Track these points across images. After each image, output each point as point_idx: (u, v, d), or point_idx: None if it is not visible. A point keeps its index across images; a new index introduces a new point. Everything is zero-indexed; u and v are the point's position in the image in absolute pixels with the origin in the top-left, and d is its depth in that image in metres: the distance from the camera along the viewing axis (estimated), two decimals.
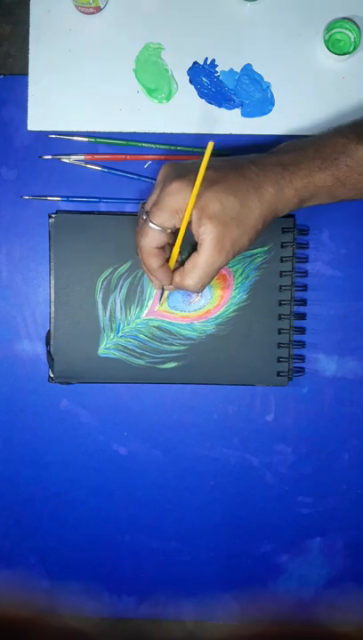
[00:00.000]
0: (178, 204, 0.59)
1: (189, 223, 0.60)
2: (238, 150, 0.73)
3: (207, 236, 0.59)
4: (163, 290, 0.68)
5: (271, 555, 0.76)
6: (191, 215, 0.59)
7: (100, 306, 0.73)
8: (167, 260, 0.64)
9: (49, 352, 0.73)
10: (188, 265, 0.61)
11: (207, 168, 0.58)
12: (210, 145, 0.58)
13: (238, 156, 0.63)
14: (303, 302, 0.74)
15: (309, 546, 0.76)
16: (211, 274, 0.61)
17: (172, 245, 0.64)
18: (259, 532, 0.76)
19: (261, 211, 0.60)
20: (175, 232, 0.62)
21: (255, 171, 0.60)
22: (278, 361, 0.73)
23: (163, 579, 0.76)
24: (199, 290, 0.62)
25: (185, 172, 0.60)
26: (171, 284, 0.64)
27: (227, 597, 0.76)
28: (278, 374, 0.73)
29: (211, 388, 0.75)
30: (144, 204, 0.63)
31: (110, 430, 0.75)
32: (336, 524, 0.76)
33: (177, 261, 0.64)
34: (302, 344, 0.74)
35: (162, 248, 0.62)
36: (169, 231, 0.61)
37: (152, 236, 0.61)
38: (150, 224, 0.60)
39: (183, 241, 0.62)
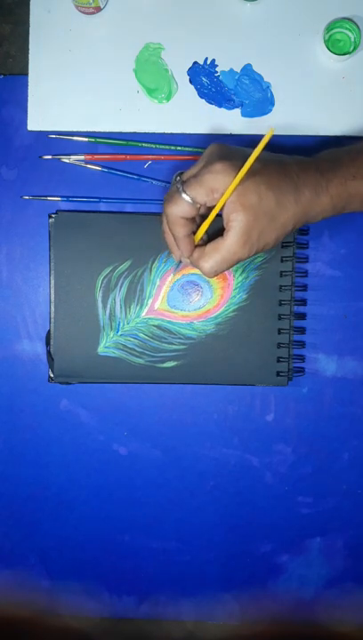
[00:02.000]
0: (217, 184, 0.59)
1: (222, 207, 0.60)
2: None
3: (237, 223, 0.59)
4: (177, 265, 0.68)
5: (271, 555, 0.76)
6: (227, 199, 0.59)
7: (99, 304, 0.73)
8: (194, 234, 0.64)
9: (49, 352, 0.73)
10: (209, 247, 0.61)
11: (257, 158, 0.58)
12: (271, 131, 0.57)
13: (284, 155, 0.63)
14: (303, 302, 0.74)
15: (309, 546, 0.76)
16: (229, 262, 0.61)
17: (197, 222, 0.64)
18: (259, 532, 0.76)
19: (294, 212, 0.60)
20: (203, 212, 0.62)
21: (297, 172, 0.60)
22: (278, 361, 0.73)
23: (163, 579, 0.76)
24: (212, 275, 0.62)
25: (232, 156, 0.60)
26: (190, 256, 0.64)
27: (227, 597, 0.76)
28: (278, 374, 0.73)
29: (211, 387, 0.75)
30: (181, 174, 0.63)
31: (110, 430, 0.75)
32: (336, 524, 0.76)
33: (202, 239, 0.64)
34: (302, 344, 0.74)
35: (188, 219, 0.62)
36: (198, 206, 0.61)
37: (181, 206, 0.60)
38: (183, 194, 0.60)
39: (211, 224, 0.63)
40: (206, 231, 0.63)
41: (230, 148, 0.61)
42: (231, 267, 0.62)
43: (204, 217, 0.63)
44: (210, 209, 0.61)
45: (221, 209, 0.60)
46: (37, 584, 0.77)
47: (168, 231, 0.64)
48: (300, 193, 0.60)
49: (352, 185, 0.61)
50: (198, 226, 0.64)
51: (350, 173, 0.61)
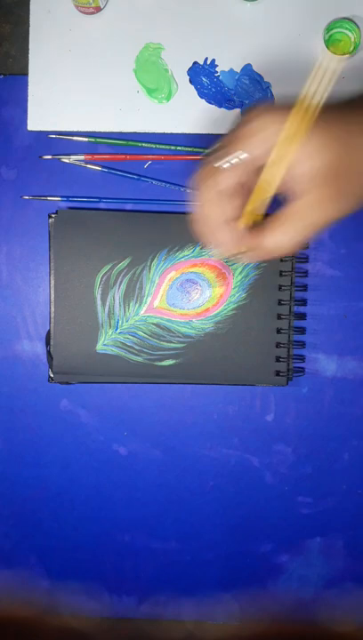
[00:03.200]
0: (269, 130, 0.43)
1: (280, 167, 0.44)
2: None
3: (317, 170, 0.44)
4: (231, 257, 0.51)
5: (271, 555, 0.76)
6: (294, 145, 0.43)
7: (98, 302, 0.73)
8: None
9: (49, 352, 0.73)
10: (279, 217, 0.46)
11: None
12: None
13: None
14: (303, 302, 0.74)
15: (309, 546, 0.76)
16: (315, 227, 0.45)
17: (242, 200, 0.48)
18: (259, 532, 0.76)
19: None
20: (251, 178, 0.46)
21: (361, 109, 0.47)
22: (277, 360, 0.73)
23: (163, 579, 0.76)
24: (294, 250, 0.46)
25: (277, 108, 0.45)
26: (236, 246, 0.47)
27: (227, 597, 0.76)
28: (277, 374, 0.73)
29: (211, 387, 0.75)
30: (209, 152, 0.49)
31: (110, 430, 0.75)
32: (336, 524, 0.75)
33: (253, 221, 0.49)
34: (301, 344, 0.74)
35: (229, 197, 0.46)
36: (241, 167, 0.44)
37: (219, 172, 0.45)
38: (219, 159, 0.45)
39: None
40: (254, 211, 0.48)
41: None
42: (313, 235, 0.46)
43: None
44: (256, 180, 0.46)
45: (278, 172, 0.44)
46: (37, 584, 0.77)
47: (202, 216, 0.48)
48: None
49: None
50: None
51: None
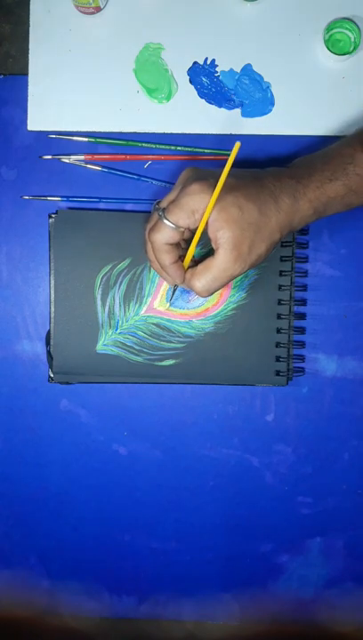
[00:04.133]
0: (196, 205, 0.59)
1: (206, 227, 0.60)
2: (238, 150, 0.73)
3: (225, 240, 0.59)
4: (175, 287, 0.68)
5: (271, 555, 0.76)
6: (209, 218, 0.59)
7: (98, 302, 0.73)
8: (181, 259, 0.64)
9: (49, 352, 0.73)
10: (200, 266, 0.61)
11: (228, 175, 0.58)
12: (237, 145, 0.58)
13: (256, 169, 0.63)
14: (303, 302, 0.74)
15: (309, 546, 0.76)
16: (222, 280, 0.61)
17: (183, 247, 0.64)
18: (259, 532, 0.76)
19: (277, 219, 0.60)
20: (187, 236, 0.62)
21: (273, 182, 0.61)
22: (277, 360, 0.73)
23: (163, 579, 0.76)
24: (206, 295, 0.62)
25: (207, 176, 0.60)
26: (183, 282, 0.64)
27: (227, 597, 0.76)
28: (277, 374, 0.73)
29: (211, 387, 0.75)
30: (159, 202, 0.63)
31: (110, 430, 0.75)
32: (336, 524, 0.76)
33: (192, 261, 0.64)
34: (301, 344, 0.74)
35: (173, 245, 0.62)
36: (182, 230, 0.61)
37: (165, 232, 0.60)
38: (165, 220, 0.60)
39: (199, 242, 0.62)
40: (193, 256, 0.63)
41: (204, 171, 0.62)
42: (225, 285, 0.61)
43: (189, 241, 0.63)
44: (194, 233, 0.61)
45: (206, 230, 0.60)
46: (37, 584, 0.77)
47: (155, 260, 0.63)
48: (279, 200, 0.60)
49: (330, 187, 0.61)
50: (185, 250, 0.64)
51: (326, 177, 0.62)
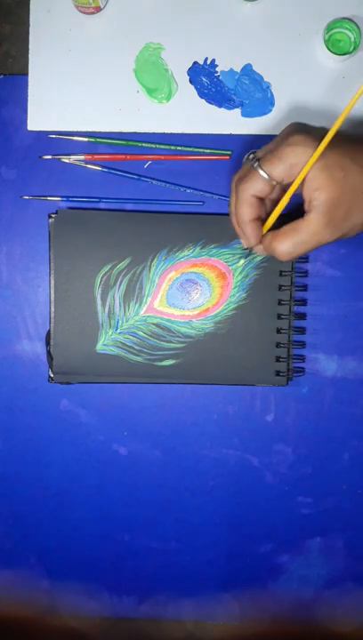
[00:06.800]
0: (296, 158, 0.55)
1: (301, 186, 0.55)
2: (239, 150, 0.73)
3: (321, 201, 0.55)
4: (248, 253, 0.63)
5: (271, 555, 0.76)
6: (308, 174, 0.55)
7: (98, 302, 0.73)
8: (262, 222, 0.60)
9: (49, 352, 0.73)
10: (286, 227, 0.57)
11: (337, 133, 0.55)
12: (361, 88, 0.53)
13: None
14: (303, 302, 0.74)
15: (309, 546, 0.76)
16: (309, 245, 0.56)
17: (266, 212, 0.60)
18: (259, 532, 0.76)
19: None
20: (275, 196, 0.58)
21: None
22: (277, 360, 0.73)
23: (163, 579, 0.76)
24: (287, 259, 0.58)
25: (312, 131, 0.57)
26: (258, 243, 0.60)
27: (227, 597, 0.76)
28: (277, 374, 0.73)
29: (211, 387, 0.75)
30: (254, 152, 0.60)
31: (110, 430, 0.75)
32: (336, 524, 0.76)
33: (273, 227, 0.60)
34: (302, 344, 0.74)
35: (259, 200, 0.58)
36: (274, 184, 0.56)
37: (256, 182, 0.56)
38: (259, 170, 0.56)
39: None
40: (276, 221, 0.60)
41: (309, 126, 0.58)
42: (311, 250, 0.57)
43: (274, 204, 0.60)
44: (282, 194, 0.58)
45: (301, 188, 0.56)
46: (37, 584, 0.77)
47: (235, 213, 0.59)
48: None
49: None
50: (268, 215, 0.60)
51: None
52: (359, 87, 0.53)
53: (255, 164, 0.57)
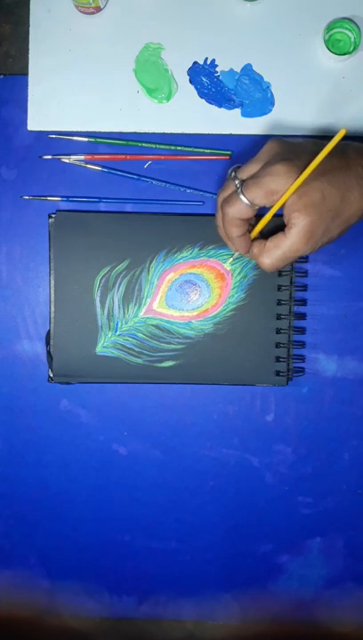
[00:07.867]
0: (277, 187, 0.57)
1: (282, 206, 0.58)
2: (238, 150, 0.73)
3: (300, 222, 0.58)
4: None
5: (271, 555, 0.76)
6: (287, 200, 0.58)
7: (98, 304, 0.73)
8: (249, 231, 0.63)
9: (49, 352, 0.73)
10: (270, 243, 0.61)
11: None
12: (341, 133, 0.54)
13: (343, 143, 0.60)
14: (303, 302, 0.74)
15: (309, 546, 0.76)
16: (291, 259, 0.60)
17: (252, 222, 0.63)
18: (259, 532, 0.76)
19: (359, 206, 0.59)
20: (259, 212, 0.61)
21: (361, 162, 0.59)
22: (277, 360, 0.73)
23: (163, 579, 0.76)
24: (272, 270, 0.62)
25: (293, 155, 0.59)
26: (247, 252, 0.64)
27: (227, 597, 0.76)
28: (277, 374, 0.73)
29: (211, 387, 0.75)
30: (236, 169, 0.62)
31: (110, 430, 0.75)
32: (336, 524, 0.75)
33: (260, 232, 0.64)
34: (301, 344, 0.74)
35: (243, 220, 0.61)
36: (256, 208, 0.60)
37: (239, 207, 0.60)
38: (241, 196, 0.59)
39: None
40: (262, 230, 0.63)
41: (291, 145, 0.60)
42: (293, 261, 0.62)
43: (259, 215, 0.62)
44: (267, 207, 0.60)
45: (282, 207, 0.59)
46: (37, 584, 0.77)
47: (223, 229, 0.63)
48: None
49: None
50: (254, 224, 0.63)
51: None
52: (340, 131, 0.55)
53: (238, 191, 0.59)
